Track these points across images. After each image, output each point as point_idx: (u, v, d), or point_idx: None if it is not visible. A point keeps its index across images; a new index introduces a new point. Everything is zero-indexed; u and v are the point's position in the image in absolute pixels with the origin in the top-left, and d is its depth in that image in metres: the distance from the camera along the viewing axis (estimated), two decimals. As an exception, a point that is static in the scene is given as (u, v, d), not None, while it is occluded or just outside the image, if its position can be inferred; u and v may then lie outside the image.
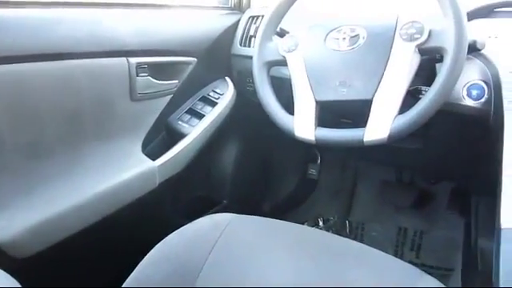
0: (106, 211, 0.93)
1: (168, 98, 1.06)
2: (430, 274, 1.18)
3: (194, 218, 0.84)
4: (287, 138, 0.86)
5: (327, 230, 1.48)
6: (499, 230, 0.68)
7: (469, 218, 1.21)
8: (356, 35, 0.82)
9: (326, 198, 1.56)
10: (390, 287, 0.70)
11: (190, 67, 1.09)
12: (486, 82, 0.84)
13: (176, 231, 0.80)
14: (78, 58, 0.85)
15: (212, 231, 0.80)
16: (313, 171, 1.54)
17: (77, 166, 0.90)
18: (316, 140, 0.82)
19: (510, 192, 0.72)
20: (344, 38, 0.83)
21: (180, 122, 1.11)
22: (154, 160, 1.01)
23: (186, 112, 1.13)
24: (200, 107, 1.14)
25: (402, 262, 0.79)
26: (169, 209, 1.16)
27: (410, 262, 1.41)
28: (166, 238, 0.79)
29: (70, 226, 0.87)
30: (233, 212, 0.86)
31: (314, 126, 0.82)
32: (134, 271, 0.72)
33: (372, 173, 1.53)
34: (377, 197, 1.50)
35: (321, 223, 1.50)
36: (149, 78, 0.98)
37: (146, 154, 1.01)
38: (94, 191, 0.90)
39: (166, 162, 1.02)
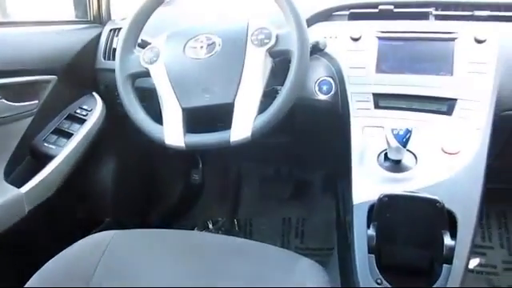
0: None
1: (29, 119, 1.00)
2: (313, 255, 1.28)
3: (75, 241, 0.81)
4: (166, 147, 0.88)
5: (217, 232, 1.52)
6: (352, 206, 0.78)
7: (338, 199, 1.34)
8: (212, 43, 0.87)
9: (212, 201, 1.60)
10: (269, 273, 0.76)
11: (50, 85, 1.04)
12: (332, 78, 0.95)
13: (53, 258, 0.77)
14: None
15: (93, 252, 0.78)
16: (196, 176, 1.56)
17: None
18: (186, 146, 0.84)
19: (358, 172, 0.83)
20: (202, 47, 0.87)
21: (46, 144, 1.05)
22: (19, 187, 0.94)
23: (52, 132, 1.07)
24: (67, 126, 1.09)
25: (280, 249, 0.86)
26: (44, 236, 1.10)
27: (296, 248, 1.51)
28: (43, 267, 0.75)
29: None
30: (118, 229, 0.84)
31: (182, 133, 0.84)
32: None
33: (253, 171, 1.61)
34: (260, 193, 1.58)
35: (210, 226, 1.53)
36: (3, 100, 0.92)
37: (10, 182, 0.94)
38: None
39: (33, 187, 0.96)
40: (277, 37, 0.83)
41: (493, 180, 0.86)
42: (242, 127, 0.81)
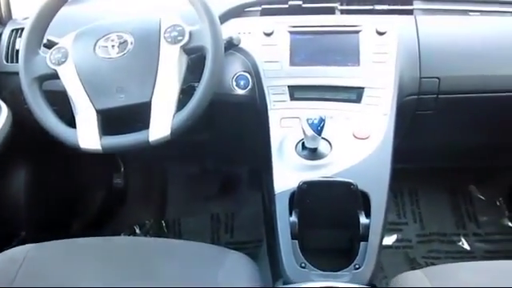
0: None
1: None
2: (243, 249, 1.30)
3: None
4: (84, 152, 0.84)
5: (144, 235, 1.49)
6: (274, 195, 0.81)
7: (263, 191, 1.38)
8: (124, 41, 0.85)
9: (138, 204, 1.56)
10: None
11: None
12: (248, 72, 0.96)
13: None
14: None
15: (8, 269, 0.74)
16: (118, 180, 1.52)
17: None
18: (103, 149, 0.82)
19: (278, 162, 0.86)
20: (113, 46, 0.85)
21: None
22: None
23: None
24: (-32, 137, 1.00)
25: (208, 245, 0.86)
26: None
27: (226, 243, 1.52)
28: None
29: None
30: (35, 242, 0.80)
31: (98, 136, 0.82)
32: None
33: (178, 170, 1.59)
34: (186, 191, 1.57)
35: (137, 230, 1.50)
36: None
37: None
38: None
39: None
40: (190, 33, 0.83)
41: (403, 160, 0.94)
42: (161, 126, 0.80)
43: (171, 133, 0.80)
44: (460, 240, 1.45)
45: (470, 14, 1.03)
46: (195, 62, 0.88)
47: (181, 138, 0.83)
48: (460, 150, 1.27)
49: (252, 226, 1.49)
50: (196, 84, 0.85)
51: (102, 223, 1.49)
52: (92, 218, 1.47)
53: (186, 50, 0.84)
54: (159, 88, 0.82)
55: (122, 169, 1.53)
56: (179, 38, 0.83)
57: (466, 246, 1.43)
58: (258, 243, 1.45)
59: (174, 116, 0.81)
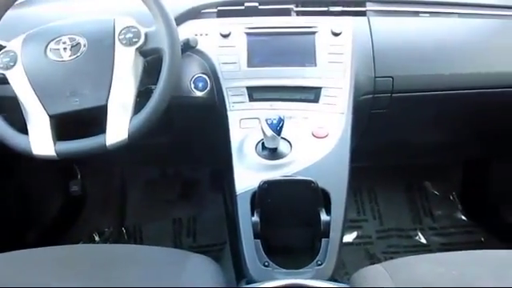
0: None
1: None
2: (207, 252, 1.29)
3: None
4: (37, 160, 0.81)
5: (104, 243, 1.45)
6: (236, 196, 0.81)
7: (224, 193, 1.37)
8: (77, 44, 0.82)
9: (97, 212, 1.52)
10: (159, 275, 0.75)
11: None
12: (207, 74, 0.96)
13: None
14: None
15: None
16: (75, 188, 1.47)
17: None
18: (58, 155, 0.79)
19: (238, 163, 0.86)
20: (65, 48, 0.82)
21: None
22: None
23: None
24: None
25: (169, 249, 0.85)
26: None
27: (189, 247, 1.50)
28: None
29: None
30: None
31: (52, 141, 0.79)
32: None
33: (137, 175, 1.56)
34: (147, 197, 1.54)
35: (97, 238, 1.45)
36: None
37: None
38: None
39: None
40: (146, 35, 0.82)
41: (361, 159, 0.96)
42: (118, 130, 0.79)
43: (129, 136, 0.79)
44: (417, 234, 1.50)
45: (421, 15, 1.07)
46: (152, 64, 0.87)
47: (139, 142, 0.81)
48: (415, 148, 1.32)
49: (215, 228, 1.48)
50: (153, 87, 0.84)
51: (59, 233, 1.44)
52: (48, 227, 1.42)
53: (142, 52, 0.82)
54: (115, 91, 0.80)
55: (79, 175, 1.48)
56: (134, 39, 0.82)
57: (423, 240, 1.49)
58: (221, 246, 1.45)
59: (131, 119, 0.80)
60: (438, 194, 1.58)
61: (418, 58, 1.01)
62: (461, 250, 0.80)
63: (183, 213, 1.53)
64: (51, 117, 0.80)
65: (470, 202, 1.55)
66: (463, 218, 1.54)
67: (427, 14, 1.08)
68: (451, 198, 1.58)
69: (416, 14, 1.07)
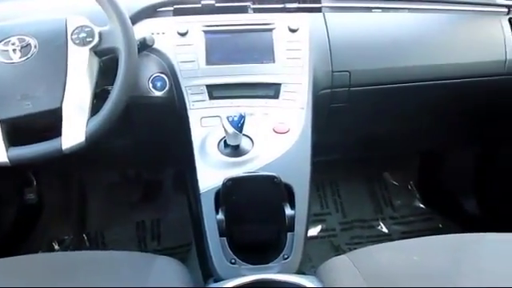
0: None
1: None
2: (173, 254, 1.27)
3: None
4: None
5: (65, 251, 1.40)
6: (199, 195, 0.80)
7: (188, 194, 1.36)
8: (27, 45, 0.79)
9: (55, 219, 1.46)
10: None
11: None
12: (165, 73, 0.95)
13: None
14: None
15: None
16: (31, 195, 1.41)
17: None
18: (10, 161, 0.76)
19: (201, 162, 0.85)
20: (14, 50, 0.79)
21: None
22: None
23: None
24: None
25: (133, 252, 0.83)
26: None
27: (154, 251, 1.48)
28: None
29: None
30: None
31: (4, 147, 0.76)
32: None
33: (97, 179, 1.52)
34: (108, 201, 1.50)
35: (56, 246, 1.40)
36: None
37: None
38: None
39: None
40: (100, 34, 0.80)
41: (323, 153, 0.97)
42: (74, 132, 0.76)
43: (86, 139, 0.77)
44: (379, 224, 1.54)
45: (373, 10, 1.10)
46: (108, 64, 0.85)
47: (98, 145, 0.79)
48: (374, 140, 1.35)
49: (180, 230, 1.47)
50: (110, 87, 0.82)
51: (16, 243, 1.38)
52: (4, 237, 1.35)
53: (97, 51, 0.80)
54: (70, 93, 0.78)
55: (35, 182, 1.42)
56: (88, 39, 0.79)
57: (384, 230, 1.53)
58: (187, 247, 1.43)
59: (87, 121, 0.77)
60: (397, 184, 1.64)
61: (373, 53, 1.04)
62: (420, 236, 0.83)
63: (147, 216, 1.50)
64: (2, 122, 0.77)
65: (427, 191, 1.61)
66: (421, 206, 1.60)
67: (379, 10, 1.11)
68: (409, 187, 1.64)
69: (369, 9, 1.10)
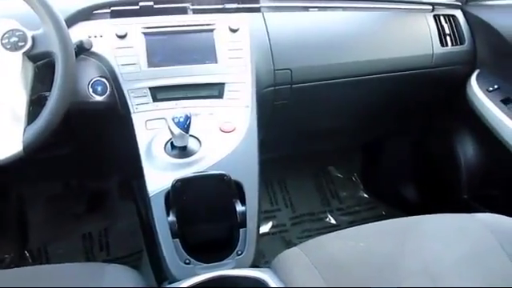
0: None
1: None
2: (124, 263, 1.24)
3: None
4: None
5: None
6: (149, 199, 0.79)
7: (136, 200, 1.33)
8: None
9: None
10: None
11: None
12: (105, 77, 0.92)
13: None
14: None
15: None
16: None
17: None
18: None
19: (148, 165, 0.84)
20: None
21: None
22: None
23: None
24: None
25: (82, 263, 0.81)
26: None
27: (104, 261, 1.43)
28: None
29: None
30: None
31: None
32: None
33: (38, 192, 1.44)
34: (50, 214, 1.43)
35: (-5, 267, 1.32)
36: None
37: None
38: None
39: None
40: (33, 38, 0.77)
41: (270, 150, 0.99)
42: (11, 142, 0.73)
43: (24, 148, 0.73)
44: (327, 216, 1.59)
45: (310, 10, 1.14)
46: (43, 69, 0.81)
47: (37, 155, 0.76)
48: (318, 135, 1.40)
49: (129, 238, 1.43)
50: (47, 93, 0.79)
51: None
52: None
53: (31, 56, 0.77)
54: (3, 100, 0.74)
55: None
56: (20, 43, 0.76)
57: (333, 221, 1.59)
58: (138, 255, 1.40)
59: (25, 130, 0.74)
60: (341, 177, 1.70)
61: (312, 50, 1.07)
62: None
63: (93, 226, 1.45)
64: None
65: (370, 181, 1.69)
66: (365, 195, 1.67)
67: (316, 9, 1.15)
68: (353, 179, 1.71)
69: (306, 8, 1.14)
